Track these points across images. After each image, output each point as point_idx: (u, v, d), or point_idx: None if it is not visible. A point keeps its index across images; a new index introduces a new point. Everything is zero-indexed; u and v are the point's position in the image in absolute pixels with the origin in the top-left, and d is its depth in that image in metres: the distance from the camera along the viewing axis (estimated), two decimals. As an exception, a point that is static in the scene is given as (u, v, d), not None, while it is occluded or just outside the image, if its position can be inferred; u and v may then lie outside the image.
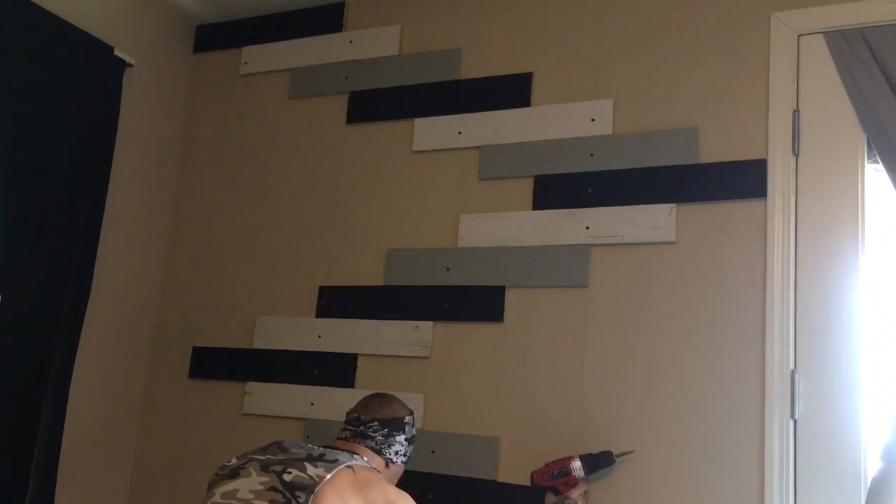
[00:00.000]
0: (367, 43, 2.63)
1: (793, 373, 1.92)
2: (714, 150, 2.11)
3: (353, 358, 2.40)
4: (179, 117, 2.88)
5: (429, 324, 2.32)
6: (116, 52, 2.53)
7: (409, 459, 1.88)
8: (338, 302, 2.47)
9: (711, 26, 2.19)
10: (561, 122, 2.29)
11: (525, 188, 2.30)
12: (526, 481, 2.04)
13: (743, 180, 2.05)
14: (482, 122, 2.40)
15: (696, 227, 2.09)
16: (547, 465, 1.97)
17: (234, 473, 1.60)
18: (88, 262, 2.42)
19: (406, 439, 1.84)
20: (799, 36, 2.08)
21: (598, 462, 1.95)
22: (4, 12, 2.22)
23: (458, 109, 2.44)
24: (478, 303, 2.27)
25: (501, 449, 2.16)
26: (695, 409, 1.99)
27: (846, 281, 1.92)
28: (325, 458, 1.59)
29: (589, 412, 2.09)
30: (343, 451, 1.69)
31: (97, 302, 2.49)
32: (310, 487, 1.51)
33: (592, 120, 2.26)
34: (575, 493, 1.94)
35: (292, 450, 1.64)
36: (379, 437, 1.81)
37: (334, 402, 2.37)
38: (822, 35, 2.05)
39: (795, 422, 1.90)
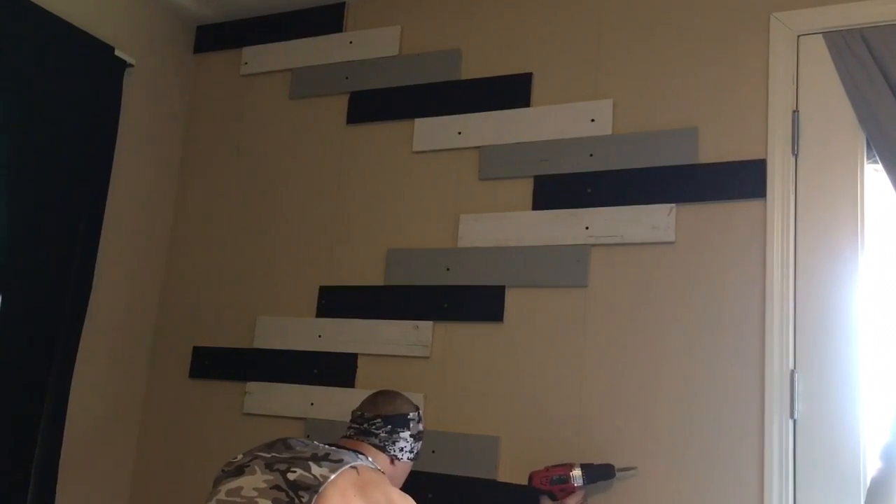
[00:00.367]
0: (367, 43, 2.63)
1: (792, 372, 1.92)
2: (713, 150, 2.11)
3: (353, 358, 2.40)
4: (179, 117, 2.88)
5: (429, 324, 2.32)
6: (117, 53, 2.54)
7: (417, 456, 1.87)
8: (338, 302, 2.47)
9: (711, 27, 2.19)
10: (561, 122, 2.30)
11: (525, 188, 2.31)
12: (526, 480, 2.04)
13: (742, 180, 2.06)
14: (482, 122, 2.40)
15: (696, 227, 2.09)
16: (547, 468, 1.97)
17: (239, 471, 1.60)
18: (88, 262, 2.42)
19: (411, 435, 1.83)
20: (798, 36, 2.08)
21: (599, 474, 1.94)
22: (4, 12, 2.22)
23: (458, 109, 2.44)
24: (478, 303, 2.27)
25: (501, 449, 2.16)
26: (694, 409, 1.99)
27: (846, 281, 1.93)
28: (330, 457, 1.59)
29: (588, 411, 2.09)
30: (348, 450, 1.68)
31: (97, 302, 2.49)
32: (313, 488, 1.51)
33: (592, 120, 2.26)
34: (571, 501, 1.94)
35: (297, 448, 1.64)
36: (382, 434, 1.80)
37: (334, 402, 2.37)
38: (821, 35, 2.05)
39: (795, 421, 1.90)
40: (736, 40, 2.15)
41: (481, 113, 2.41)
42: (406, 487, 1.84)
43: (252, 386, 2.52)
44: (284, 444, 1.67)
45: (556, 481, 1.93)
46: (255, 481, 1.56)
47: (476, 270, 2.30)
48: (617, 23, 2.31)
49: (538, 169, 2.30)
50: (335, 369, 2.41)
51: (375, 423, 1.81)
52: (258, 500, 1.52)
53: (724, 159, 2.09)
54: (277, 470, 1.56)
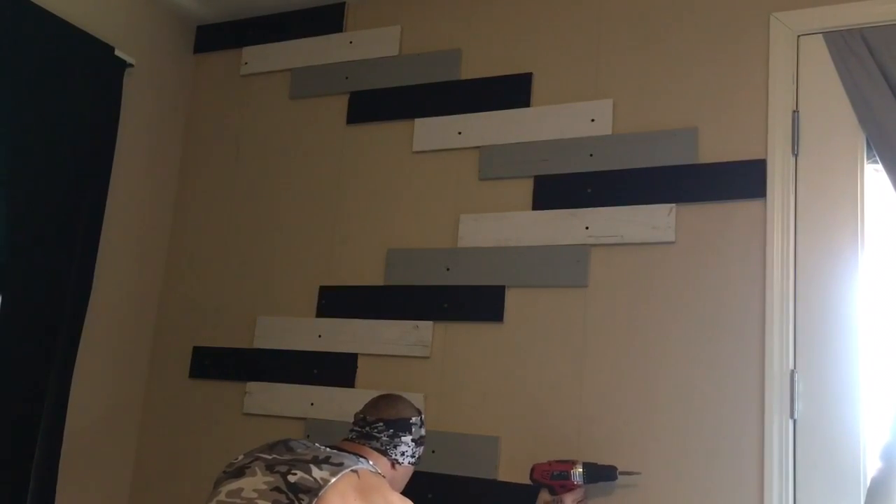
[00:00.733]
0: (367, 43, 2.63)
1: (792, 373, 1.92)
2: (713, 150, 2.11)
3: (353, 358, 2.40)
4: (180, 117, 2.88)
5: (429, 324, 2.32)
6: (117, 53, 2.54)
7: (419, 460, 1.87)
8: (338, 302, 2.47)
9: (711, 26, 2.19)
10: (561, 122, 2.30)
11: (525, 188, 2.31)
12: (526, 480, 2.04)
13: (742, 180, 2.06)
14: (482, 122, 2.40)
15: (696, 227, 2.09)
16: (550, 463, 1.97)
17: (240, 472, 1.60)
18: (88, 262, 2.42)
19: (413, 440, 1.83)
20: (798, 36, 2.08)
21: (600, 474, 1.94)
22: (4, 12, 2.22)
23: (458, 109, 2.44)
24: (478, 303, 2.27)
25: (501, 449, 2.16)
26: (694, 409, 1.99)
27: (846, 281, 1.93)
28: (331, 460, 1.59)
29: (588, 411, 2.09)
30: (349, 453, 1.68)
31: (97, 302, 2.49)
32: (314, 491, 1.51)
33: (592, 120, 2.26)
34: (569, 498, 1.94)
35: (298, 450, 1.64)
36: (384, 438, 1.80)
37: (334, 402, 2.37)
38: (821, 35, 2.05)
39: (795, 421, 1.90)
40: (736, 40, 2.15)
41: (481, 113, 2.41)
42: (406, 488, 1.84)
43: (252, 386, 2.52)
44: (286, 445, 1.67)
45: (557, 476, 1.93)
46: (256, 482, 1.56)
47: (476, 270, 2.30)
48: (617, 23, 2.31)
49: (538, 169, 2.30)
50: (335, 369, 2.41)
51: (377, 426, 1.81)
52: (258, 501, 1.52)
53: (724, 159, 2.09)
54: (278, 472, 1.56)
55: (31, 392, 2.23)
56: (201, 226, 2.77)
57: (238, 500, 1.54)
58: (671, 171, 2.14)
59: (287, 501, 1.50)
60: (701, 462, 1.96)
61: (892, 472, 1.73)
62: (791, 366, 1.93)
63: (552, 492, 1.95)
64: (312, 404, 2.41)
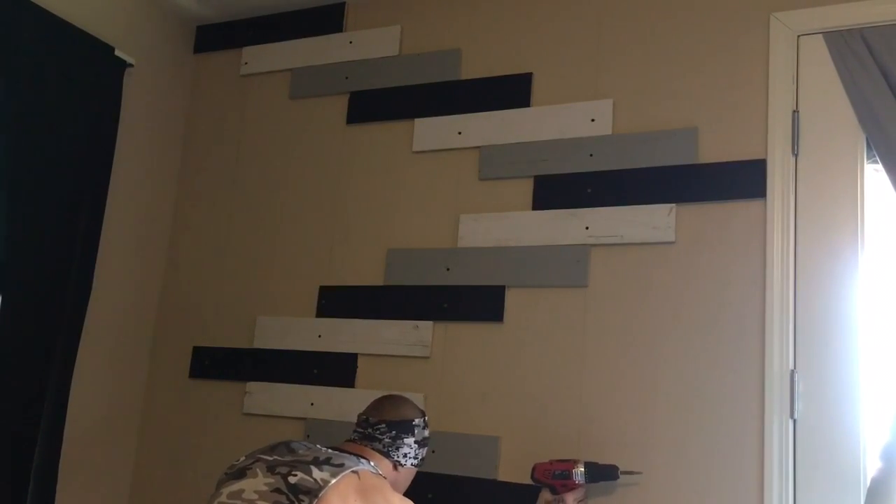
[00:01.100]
0: (367, 43, 2.63)
1: (792, 373, 1.92)
2: (713, 150, 2.11)
3: (353, 358, 2.40)
4: (179, 117, 2.88)
5: (429, 324, 2.32)
6: (117, 53, 2.54)
7: (422, 462, 1.87)
8: (338, 302, 2.47)
9: (711, 26, 2.19)
10: (561, 122, 2.30)
11: (525, 188, 2.31)
12: (526, 480, 2.04)
13: (742, 180, 2.06)
14: (482, 122, 2.40)
15: (696, 227, 2.09)
16: (551, 462, 1.97)
17: (241, 473, 1.60)
18: (88, 262, 2.42)
19: (416, 441, 1.83)
20: (798, 36, 2.08)
21: (602, 473, 1.94)
22: (4, 12, 2.22)
23: (458, 109, 2.44)
24: (478, 303, 2.27)
25: (501, 449, 2.16)
26: (694, 409, 1.99)
27: (846, 281, 1.93)
28: (332, 461, 1.59)
29: (588, 411, 2.09)
30: (351, 454, 1.68)
31: (97, 302, 2.49)
32: (314, 492, 1.51)
33: (592, 120, 2.26)
34: (570, 497, 1.94)
35: (300, 451, 1.64)
36: (386, 440, 1.80)
37: (334, 402, 2.37)
38: (821, 35, 2.05)
39: (795, 421, 1.90)
40: (736, 40, 2.15)
41: (481, 113, 2.41)
42: (407, 488, 1.84)
43: (252, 386, 2.52)
44: (287, 447, 1.67)
45: (558, 476, 1.93)
46: (257, 484, 1.56)
47: (476, 270, 2.30)
48: (617, 23, 2.31)
49: (538, 169, 2.30)
50: (335, 369, 2.41)
51: (380, 428, 1.81)
52: (259, 502, 1.52)
53: (724, 159, 2.09)
54: (279, 473, 1.56)
55: (31, 392, 2.23)
56: (201, 226, 2.77)
57: (239, 502, 1.54)
58: (671, 171, 2.14)
59: (287, 502, 1.50)
60: (701, 462, 1.96)
61: (892, 472, 1.73)
62: (791, 366, 1.93)
63: (553, 491, 1.95)
64: (312, 404, 2.41)
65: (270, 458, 1.62)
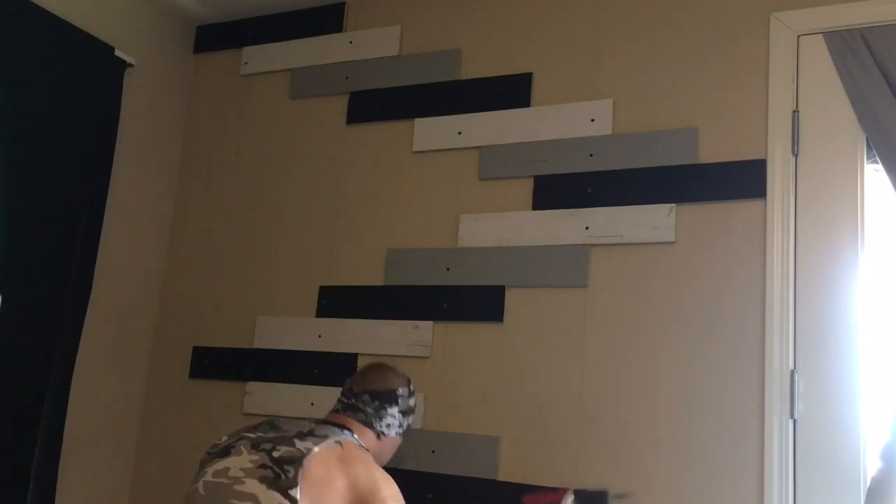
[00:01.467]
0: (367, 43, 2.63)
1: (792, 372, 1.92)
2: (713, 150, 2.11)
3: (353, 358, 2.40)
4: (179, 117, 2.88)
5: (429, 324, 2.32)
6: (117, 53, 2.54)
7: (406, 431, 1.86)
8: (338, 302, 2.47)
9: (711, 27, 2.19)
10: (561, 122, 2.30)
11: (525, 188, 2.31)
12: (526, 480, 2.04)
13: (742, 180, 2.06)
14: (482, 122, 2.40)
15: (696, 227, 2.09)
16: (541, 493, 1.96)
17: (226, 452, 1.61)
18: (88, 262, 2.42)
19: (400, 411, 1.82)
20: (798, 36, 2.08)
21: (591, 501, 1.93)
22: (5, 12, 2.22)
23: (458, 109, 2.44)
24: (478, 303, 2.27)
25: (501, 449, 2.16)
26: (694, 409, 1.99)
27: (846, 281, 1.93)
28: (315, 433, 1.61)
29: (588, 412, 2.09)
30: (334, 425, 1.69)
31: (97, 302, 2.49)
32: (298, 460, 1.52)
33: (592, 120, 2.26)
34: None
35: (283, 427, 1.65)
36: (370, 410, 1.79)
37: (334, 402, 2.37)
38: (821, 35, 2.05)
39: (795, 421, 1.90)
40: (736, 40, 2.15)
41: (481, 113, 2.41)
42: (406, 487, 1.83)
43: (252, 386, 2.52)
44: (270, 424, 1.68)
45: None
46: (242, 461, 1.56)
47: (476, 270, 2.30)
48: (617, 23, 2.31)
49: (538, 169, 2.30)
50: (335, 369, 2.41)
51: (363, 398, 1.80)
52: (245, 479, 1.52)
53: (724, 159, 2.09)
54: (263, 450, 1.57)
55: (31, 392, 2.23)
56: (201, 226, 2.77)
57: (225, 480, 1.54)
58: (671, 171, 2.14)
59: (273, 475, 1.51)
60: (701, 462, 1.96)
61: (892, 472, 1.73)
62: (791, 366, 1.93)
63: None
64: (312, 404, 2.41)
65: (254, 436, 1.62)
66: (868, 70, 1.97)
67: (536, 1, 2.43)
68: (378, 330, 2.38)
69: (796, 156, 2.03)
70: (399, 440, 1.86)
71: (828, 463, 1.86)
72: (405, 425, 1.85)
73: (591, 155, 2.24)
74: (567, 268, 2.19)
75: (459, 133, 2.42)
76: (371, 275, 2.45)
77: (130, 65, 2.59)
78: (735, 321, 2.00)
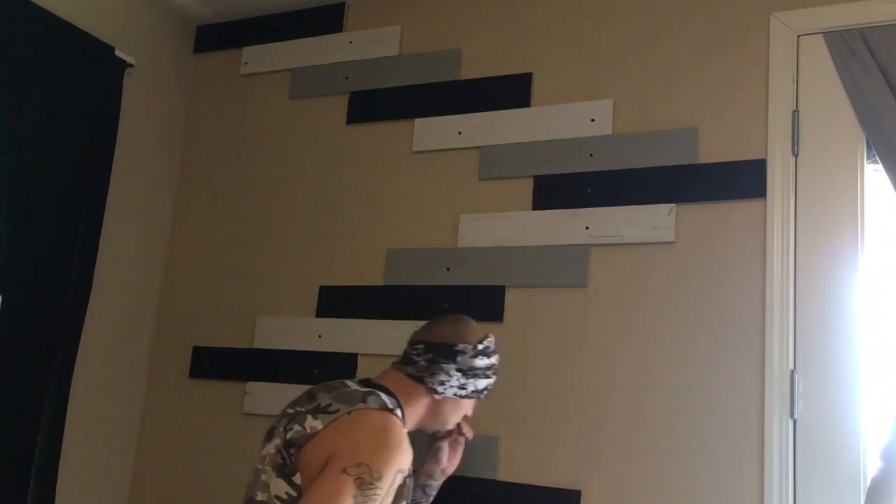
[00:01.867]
0: (367, 43, 2.63)
1: (792, 372, 1.92)
2: (713, 150, 2.11)
3: (353, 358, 2.40)
4: (180, 117, 2.88)
5: (429, 324, 2.32)
6: (117, 53, 2.54)
7: (476, 394, 1.71)
8: (338, 302, 2.47)
9: (711, 27, 2.19)
10: (561, 122, 2.30)
11: (525, 188, 2.31)
12: (526, 480, 2.04)
13: (742, 180, 2.06)
14: (482, 122, 2.40)
15: (696, 227, 2.09)
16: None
17: (269, 435, 1.57)
18: (88, 262, 2.42)
19: (458, 369, 1.66)
20: (798, 36, 2.08)
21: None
22: (4, 12, 2.22)
23: (458, 109, 2.44)
24: (478, 303, 2.27)
25: (501, 449, 2.16)
26: (694, 409, 1.99)
27: (846, 281, 1.93)
28: (330, 408, 1.51)
29: (588, 412, 2.09)
30: (368, 389, 1.57)
31: (97, 302, 2.49)
32: (299, 442, 1.47)
33: (592, 120, 2.26)
34: (445, 443, 1.86)
35: (316, 397, 1.56)
36: (422, 363, 1.66)
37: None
38: (821, 35, 2.05)
39: (795, 421, 1.90)
40: (736, 40, 2.15)
41: (481, 113, 2.41)
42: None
43: (252, 386, 2.52)
44: (309, 395, 1.60)
45: None
46: (271, 447, 1.53)
47: (476, 270, 2.30)
48: (617, 23, 2.31)
49: (538, 169, 2.30)
50: (335, 369, 2.41)
51: (417, 348, 1.68)
52: (266, 467, 1.50)
53: (724, 159, 2.09)
54: (285, 430, 1.52)
55: (31, 392, 2.23)
56: (201, 226, 2.77)
57: (259, 466, 1.53)
58: (671, 171, 2.14)
59: (281, 461, 1.48)
60: (701, 462, 1.96)
61: (892, 472, 1.73)
62: (791, 366, 1.93)
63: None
64: (312, 404, 2.41)
65: (292, 412, 1.57)
66: (868, 70, 1.97)
67: (536, 1, 2.43)
68: (378, 330, 2.38)
69: (796, 156, 2.03)
70: (463, 403, 1.72)
71: (828, 463, 1.86)
72: (470, 387, 1.69)
73: (591, 155, 2.24)
74: (567, 268, 2.19)
75: (459, 133, 2.42)
76: (371, 275, 2.45)
77: (130, 65, 2.59)
78: (735, 321, 2.00)
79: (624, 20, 2.30)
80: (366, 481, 1.39)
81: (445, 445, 1.89)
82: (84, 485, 2.49)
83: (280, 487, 1.46)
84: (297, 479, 1.45)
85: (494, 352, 1.75)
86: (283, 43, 2.77)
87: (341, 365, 2.40)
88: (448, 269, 2.33)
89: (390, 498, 1.47)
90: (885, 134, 1.92)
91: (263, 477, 1.50)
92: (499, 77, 2.42)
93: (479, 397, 1.74)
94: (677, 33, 2.23)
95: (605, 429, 2.06)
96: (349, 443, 1.44)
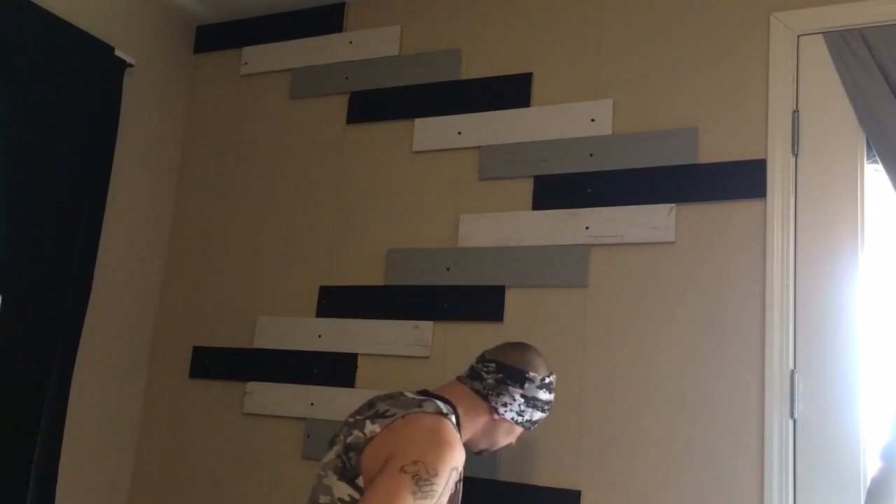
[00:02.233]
0: (367, 43, 2.64)
1: (792, 373, 1.92)
2: (713, 150, 2.11)
3: (353, 358, 2.40)
4: (180, 117, 2.88)
5: (429, 324, 2.32)
6: (117, 53, 2.54)
7: (528, 424, 1.73)
8: (338, 302, 2.47)
9: (711, 27, 2.19)
10: (561, 122, 2.30)
11: (525, 188, 2.31)
12: (526, 480, 2.04)
13: (742, 180, 2.06)
14: (482, 122, 2.40)
15: (696, 227, 2.09)
16: None
17: (331, 443, 1.60)
18: (88, 262, 2.42)
19: (523, 395, 1.69)
20: (798, 36, 2.08)
21: None
22: (5, 12, 2.22)
23: (458, 109, 2.44)
24: (478, 303, 2.27)
25: (501, 448, 2.15)
26: (694, 409, 1.99)
27: (846, 281, 1.93)
28: (387, 414, 1.54)
29: (588, 411, 2.09)
30: (425, 398, 1.60)
31: (97, 302, 2.49)
32: (359, 447, 1.49)
33: (592, 120, 2.26)
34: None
35: (375, 405, 1.59)
36: (490, 381, 1.69)
37: (334, 402, 2.37)
38: (821, 35, 2.05)
39: (795, 421, 1.90)
40: (736, 40, 2.15)
41: (481, 113, 2.41)
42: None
43: (252, 386, 2.52)
44: (369, 404, 1.63)
45: None
46: (332, 454, 1.56)
47: (476, 270, 2.30)
48: (617, 23, 2.31)
49: (538, 169, 2.30)
50: (335, 369, 2.41)
51: (489, 366, 1.71)
52: (328, 472, 1.53)
53: (724, 159, 2.09)
54: (345, 436, 1.55)
55: (31, 392, 2.23)
56: (201, 225, 2.77)
57: (321, 472, 1.56)
58: (671, 171, 2.14)
59: (341, 465, 1.51)
60: (701, 462, 1.96)
61: (892, 472, 1.73)
62: (791, 366, 1.93)
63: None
64: (312, 404, 2.41)
65: (352, 420, 1.60)
66: (868, 70, 1.97)
67: (536, 1, 2.43)
68: (378, 330, 2.38)
69: (796, 156, 2.03)
70: (516, 430, 1.75)
71: (828, 463, 1.86)
72: (527, 416, 1.71)
73: (591, 155, 2.24)
74: (567, 268, 2.19)
75: (459, 133, 2.42)
76: (371, 275, 2.45)
77: (130, 65, 2.59)
78: (735, 321, 2.00)
79: (624, 20, 2.30)
80: (423, 478, 1.42)
81: None
82: (84, 485, 2.49)
83: (343, 490, 1.49)
84: (360, 481, 1.47)
85: (555, 390, 1.80)
86: (283, 43, 2.77)
87: (341, 365, 2.40)
88: (448, 269, 2.33)
89: (445, 498, 1.49)
90: (886, 134, 1.92)
91: (325, 481, 1.53)
92: (499, 77, 2.42)
93: (529, 428, 1.77)
94: (677, 33, 2.23)
95: (605, 429, 2.06)
96: (404, 443, 1.47)
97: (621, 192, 2.18)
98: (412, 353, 2.32)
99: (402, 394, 1.64)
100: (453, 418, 1.61)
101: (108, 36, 2.55)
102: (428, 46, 2.55)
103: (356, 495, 1.47)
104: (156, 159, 2.78)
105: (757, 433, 1.92)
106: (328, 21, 2.72)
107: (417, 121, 2.49)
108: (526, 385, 1.71)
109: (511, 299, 2.25)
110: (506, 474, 2.14)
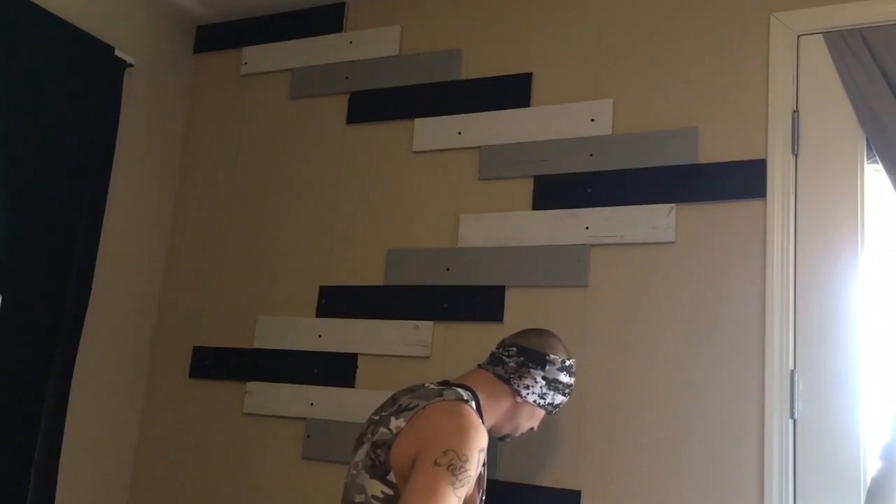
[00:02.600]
0: (367, 43, 2.64)
1: (792, 373, 1.92)
2: (713, 150, 2.11)
3: (353, 358, 2.40)
4: (180, 117, 2.88)
5: (429, 324, 2.32)
6: (117, 53, 2.54)
7: (551, 407, 1.75)
8: (338, 302, 2.47)
9: (711, 27, 2.19)
10: (561, 122, 2.30)
11: (525, 188, 2.31)
12: (526, 480, 2.04)
13: (742, 180, 2.06)
14: (482, 122, 2.40)
15: (696, 227, 2.09)
16: None
17: (358, 443, 1.61)
18: (88, 262, 2.42)
19: (544, 377, 1.71)
20: (798, 36, 2.08)
21: None
22: (5, 12, 2.22)
23: (458, 109, 2.44)
24: (478, 303, 2.27)
25: (501, 448, 2.16)
26: (694, 409, 1.99)
27: (846, 281, 1.93)
28: (409, 407, 1.55)
29: (588, 412, 2.09)
30: (446, 387, 1.61)
31: (97, 302, 2.49)
32: (387, 443, 1.50)
33: (592, 120, 2.26)
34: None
35: (399, 400, 1.60)
36: (511, 364, 1.71)
37: (334, 402, 2.37)
38: (821, 35, 2.05)
39: (795, 421, 1.90)
40: (736, 40, 2.15)
41: (481, 113, 2.41)
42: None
43: (252, 386, 2.52)
44: (393, 399, 1.64)
45: None
46: (361, 453, 1.57)
47: (476, 270, 2.30)
48: (617, 23, 2.31)
49: (538, 169, 2.30)
50: (335, 369, 2.41)
51: (510, 350, 1.73)
52: (359, 471, 1.54)
53: (724, 159, 2.09)
54: (372, 434, 1.56)
55: (31, 392, 2.23)
56: (201, 226, 2.77)
57: (353, 471, 1.57)
58: (671, 171, 2.14)
59: (370, 462, 1.51)
60: (701, 462, 1.96)
61: (892, 472, 1.73)
62: (791, 366, 1.93)
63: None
64: (312, 404, 2.41)
65: (377, 418, 1.60)
66: (868, 70, 1.97)
67: (536, 1, 2.43)
68: (378, 330, 2.38)
69: (796, 156, 2.03)
70: (538, 412, 1.76)
71: (828, 463, 1.86)
72: (548, 399, 1.73)
73: (591, 155, 2.24)
74: (567, 268, 2.19)
75: (459, 133, 2.42)
76: (371, 275, 2.45)
77: (130, 65, 2.59)
78: (735, 321, 2.00)
79: (624, 20, 2.30)
80: (457, 466, 1.43)
81: None
82: (84, 485, 2.49)
83: (376, 487, 1.49)
84: (392, 477, 1.48)
85: (575, 374, 1.81)
86: (283, 43, 2.77)
87: (341, 365, 2.40)
88: (448, 269, 2.33)
89: (474, 479, 1.50)
90: (886, 134, 1.92)
91: (358, 480, 1.54)
92: (499, 77, 2.42)
93: (551, 411, 1.78)
94: (677, 33, 2.23)
95: (605, 429, 2.06)
96: (430, 435, 1.48)
97: (621, 192, 2.18)
98: (412, 353, 2.32)
99: (423, 386, 1.65)
100: (473, 404, 1.62)
101: (108, 36, 2.55)
102: (428, 46, 2.55)
103: (389, 491, 1.48)
104: (156, 159, 2.78)
105: (757, 433, 1.92)
106: (328, 21, 2.72)
107: (417, 121, 2.49)
108: (547, 367, 1.73)
109: (511, 299, 2.25)
110: (506, 474, 2.14)
